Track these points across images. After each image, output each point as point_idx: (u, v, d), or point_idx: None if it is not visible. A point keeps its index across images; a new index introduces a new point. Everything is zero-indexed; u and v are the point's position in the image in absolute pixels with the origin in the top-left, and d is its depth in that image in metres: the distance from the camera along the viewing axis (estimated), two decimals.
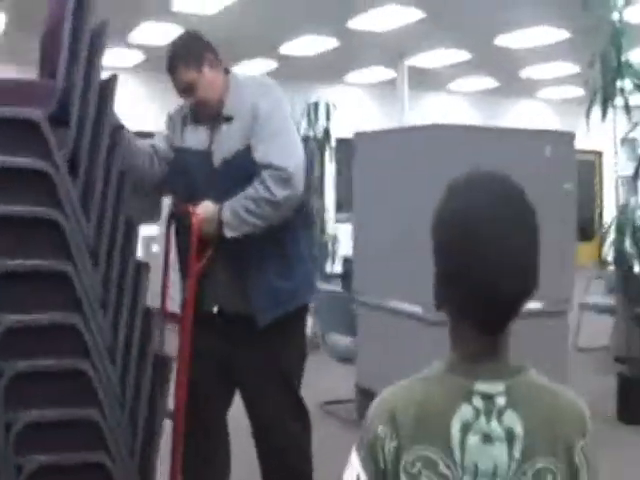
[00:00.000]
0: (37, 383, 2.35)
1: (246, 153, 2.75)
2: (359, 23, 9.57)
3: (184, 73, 2.79)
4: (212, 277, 2.84)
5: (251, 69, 11.86)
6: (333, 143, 9.92)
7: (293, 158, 2.72)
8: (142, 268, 2.55)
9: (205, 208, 2.75)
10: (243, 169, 2.74)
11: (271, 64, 11.89)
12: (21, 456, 2.32)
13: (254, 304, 2.80)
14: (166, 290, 2.95)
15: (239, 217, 2.71)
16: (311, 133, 9.68)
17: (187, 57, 2.79)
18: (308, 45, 10.79)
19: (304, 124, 9.65)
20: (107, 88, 2.40)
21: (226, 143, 2.79)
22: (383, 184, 4.85)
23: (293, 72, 12.01)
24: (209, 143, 2.84)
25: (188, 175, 2.87)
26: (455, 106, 14.97)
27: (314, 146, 9.53)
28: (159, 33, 9.69)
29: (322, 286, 6.27)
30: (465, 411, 1.12)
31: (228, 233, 2.74)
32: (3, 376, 2.30)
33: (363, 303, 5.09)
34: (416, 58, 11.55)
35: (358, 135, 5.22)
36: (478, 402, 1.12)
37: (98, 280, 2.44)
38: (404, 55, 11.47)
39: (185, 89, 2.82)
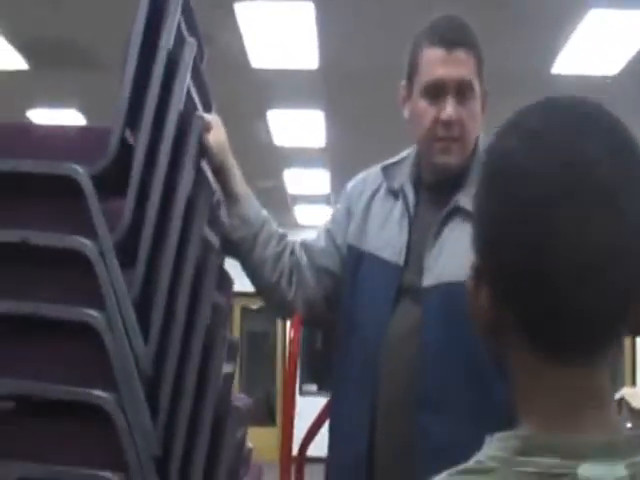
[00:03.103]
0: None
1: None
2: None
3: (465, 61, 1.70)
4: None
5: None
6: None
7: None
8: (230, 419, 1.65)
9: None
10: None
11: None
12: None
13: None
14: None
15: None
16: None
17: (476, 47, 1.73)
18: None
19: None
20: (188, 137, 1.66)
21: (448, 256, 1.68)
22: None
23: None
24: (417, 250, 1.74)
25: (364, 295, 1.81)
26: None
27: None
28: None
29: None
30: None
31: None
32: None
33: None
34: None
35: None
36: None
37: (157, 433, 1.58)
38: None
39: (457, 88, 1.68)
